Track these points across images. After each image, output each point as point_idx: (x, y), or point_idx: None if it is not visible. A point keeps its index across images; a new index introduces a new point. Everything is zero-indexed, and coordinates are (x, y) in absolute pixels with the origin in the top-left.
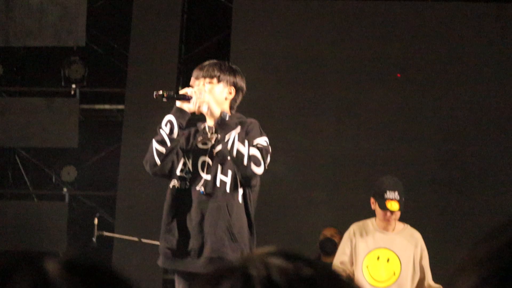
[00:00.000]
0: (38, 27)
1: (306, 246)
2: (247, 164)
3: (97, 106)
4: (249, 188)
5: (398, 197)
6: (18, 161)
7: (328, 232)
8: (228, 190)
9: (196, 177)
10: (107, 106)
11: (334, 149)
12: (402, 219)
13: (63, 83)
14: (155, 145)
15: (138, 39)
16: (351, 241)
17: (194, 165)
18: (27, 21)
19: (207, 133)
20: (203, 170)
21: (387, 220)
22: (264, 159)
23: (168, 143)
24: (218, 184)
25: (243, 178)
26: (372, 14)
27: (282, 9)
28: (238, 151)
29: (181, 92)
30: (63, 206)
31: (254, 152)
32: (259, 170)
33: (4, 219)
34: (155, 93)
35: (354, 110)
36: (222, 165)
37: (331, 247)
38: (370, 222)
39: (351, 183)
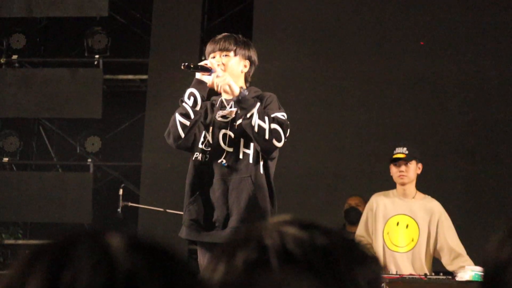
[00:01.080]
0: None
1: (332, 215)
2: (268, 138)
3: (121, 76)
4: (270, 159)
5: (406, 151)
6: (43, 132)
7: (352, 201)
8: (251, 161)
9: (217, 149)
10: (130, 76)
11: (358, 120)
12: (425, 188)
13: (86, 54)
14: (178, 118)
15: (160, 8)
16: (372, 211)
17: (215, 138)
18: None
19: (225, 107)
20: (224, 143)
21: (400, 177)
22: (285, 133)
23: (192, 116)
24: (241, 156)
25: (265, 152)
26: None
27: None
28: (259, 127)
29: (202, 63)
30: (88, 177)
31: (275, 126)
32: (279, 144)
33: (29, 190)
34: (182, 65)
35: (378, 80)
36: (244, 138)
37: (355, 216)
38: (390, 192)
39: (376, 153)
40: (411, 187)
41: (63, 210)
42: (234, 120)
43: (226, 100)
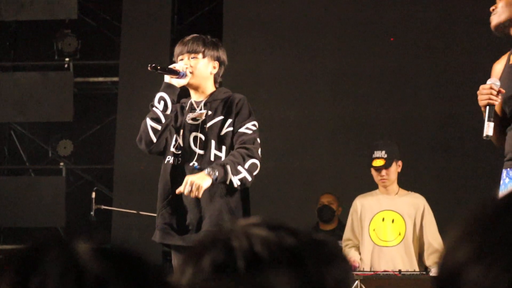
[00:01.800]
0: (29, 0)
1: (305, 214)
2: (251, 179)
3: (91, 79)
4: None
5: (384, 155)
6: (14, 136)
7: (325, 199)
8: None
9: (188, 152)
10: (101, 79)
11: (330, 116)
12: (401, 183)
13: (56, 57)
14: (149, 123)
15: (130, 10)
16: (357, 213)
17: (186, 141)
18: None
19: (195, 109)
20: (196, 145)
21: (381, 181)
22: (257, 153)
23: (163, 120)
24: (212, 158)
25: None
26: None
27: None
28: (241, 180)
29: (171, 66)
30: (61, 181)
31: (250, 162)
32: (258, 169)
33: (1, 195)
34: (149, 66)
35: (349, 76)
36: (215, 140)
37: (328, 214)
38: (374, 192)
39: (348, 150)
40: (393, 186)
41: (36, 214)
42: (205, 122)
43: (195, 102)
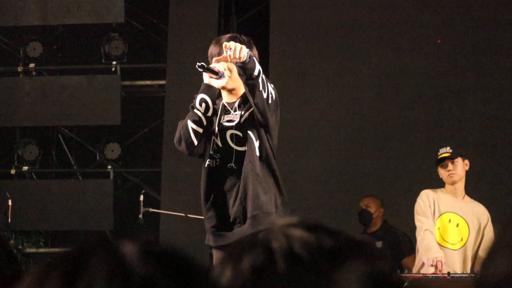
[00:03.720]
0: (76, 4)
1: (351, 217)
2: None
3: (139, 82)
4: (268, 134)
5: (450, 150)
6: (62, 140)
7: (363, 203)
8: (256, 153)
9: (226, 152)
10: (148, 82)
11: (375, 119)
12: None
13: (103, 60)
14: (191, 125)
15: (177, 13)
16: (428, 201)
17: (224, 141)
18: None
19: (229, 111)
20: (233, 142)
21: (449, 176)
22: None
23: (205, 122)
24: (257, 153)
25: (258, 104)
26: None
27: None
28: (263, 83)
29: (211, 66)
30: (108, 184)
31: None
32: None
33: (50, 199)
34: (197, 64)
35: (395, 78)
36: (253, 132)
37: (365, 218)
38: (440, 190)
39: (393, 152)
40: (461, 186)
41: (84, 218)
42: (240, 121)
43: (228, 103)
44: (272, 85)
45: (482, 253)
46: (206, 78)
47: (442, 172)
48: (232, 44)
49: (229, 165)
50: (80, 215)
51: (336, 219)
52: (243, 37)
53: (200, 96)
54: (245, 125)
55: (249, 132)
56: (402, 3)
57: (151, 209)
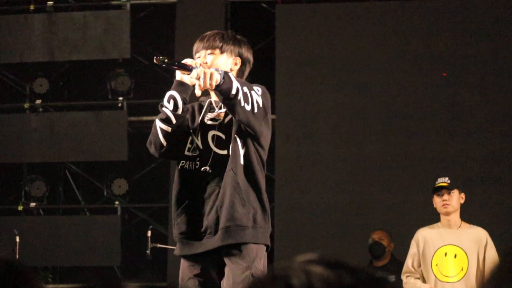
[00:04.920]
0: (82, 40)
1: (358, 250)
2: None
3: (145, 118)
4: (257, 144)
5: (448, 181)
6: (69, 176)
7: (376, 236)
8: (240, 161)
9: (207, 154)
10: (155, 117)
11: (381, 152)
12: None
13: (110, 96)
14: (159, 124)
15: (182, 48)
16: (418, 245)
17: (204, 141)
18: (71, 35)
19: (214, 109)
20: (214, 145)
21: (443, 206)
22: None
23: (174, 121)
24: (242, 160)
25: (244, 121)
26: (414, 14)
27: (325, 13)
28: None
29: (183, 61)
30: (116, 219)
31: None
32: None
33: (57, 234)
34: (155, 58)
35: (401, 111)
36: (237, 135)
37: (379, 251)
38: (435, 225)
39: (400, 185)
40: (456, 217)
41: (92, 254)
42: (224, 121)
43: (215, 101)
44: (258, 88)
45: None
46: (179, 74)
47: (437, 201)
48: (200, 72)
49: (203, 168)
50: (87, 251)
51: (342, 251)
52: (231, 32)
53: (169, 93)
54: (229, 126)
55: (235, 136)
56: (407, 36)
57: (159, 245)
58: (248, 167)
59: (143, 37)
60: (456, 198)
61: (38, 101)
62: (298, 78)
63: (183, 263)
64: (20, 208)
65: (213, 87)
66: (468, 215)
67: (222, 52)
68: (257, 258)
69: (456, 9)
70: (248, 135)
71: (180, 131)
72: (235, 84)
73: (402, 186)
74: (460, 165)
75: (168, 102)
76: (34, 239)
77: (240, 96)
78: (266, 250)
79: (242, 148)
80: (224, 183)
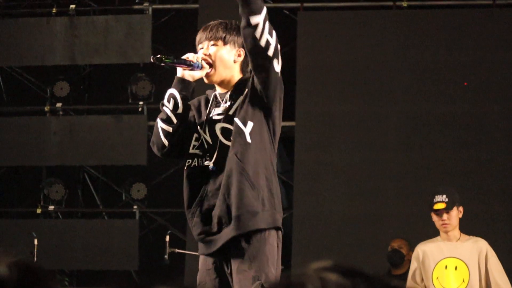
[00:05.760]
0: (103, 44)
1: (375, 259)
2: (272, 54)
3: None
4: (268, 115)
5: (445, 199)
6: (88, 180)
7: (395, 244)
8: (245, 138)
9: (216, 148)
10: None
11: (400, 160)
12: (470, 229)
13: (130, 100)
14: (160, 124)
15: None
16: (418, 260)
17: (213, 135)
18: (92, 39)
19: (220, 103)
20: (224, 137)
21: (443, 226)
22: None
23: (174, 120)
24: (248, 139)
25: (259, 66)
26: (435, 23)
27: (346, 21)
28: (267, 42)
29: (183, 57)
30: (134, 224)
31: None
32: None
33: (75, 238)
34: (152, 57)
35: (420, 120)
36: (241, 121)
37: (398, 259)
38: (434, 239)
39: (417, 195)
40: (455, 232)
41: (109, 258)
42: (229, 111)
43: (220, 94)
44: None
45: (494, 281)
46: (180, 70)
47: (436, 219)
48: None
49: (209, 166)
50: (105, 255)
51: (360, 260)
52: (234, 23)
53: (169, 91)
54: (235, 114)
55: (237, 119)
56: (428, 45)
57: (177, 250)
58: (257, 146)
59: (165, 42)
60: (455, 216)
61: (59, 105)
62: (318, 86)
63: (201, 267)
64: (39, 211)
65: None
66: (487, 226)
67: (225, 43)
68: (268, 261)
69: (476, 18)
70: (257, 106)
71: (183, 130)
72: (263, 13)
73: (421, 196)
74: (478, 176)
75: (168, 101)
76: (52, 242)
77: (266, 25)
78: (279, 232)
79: (247, 124)
80: (227, 169)
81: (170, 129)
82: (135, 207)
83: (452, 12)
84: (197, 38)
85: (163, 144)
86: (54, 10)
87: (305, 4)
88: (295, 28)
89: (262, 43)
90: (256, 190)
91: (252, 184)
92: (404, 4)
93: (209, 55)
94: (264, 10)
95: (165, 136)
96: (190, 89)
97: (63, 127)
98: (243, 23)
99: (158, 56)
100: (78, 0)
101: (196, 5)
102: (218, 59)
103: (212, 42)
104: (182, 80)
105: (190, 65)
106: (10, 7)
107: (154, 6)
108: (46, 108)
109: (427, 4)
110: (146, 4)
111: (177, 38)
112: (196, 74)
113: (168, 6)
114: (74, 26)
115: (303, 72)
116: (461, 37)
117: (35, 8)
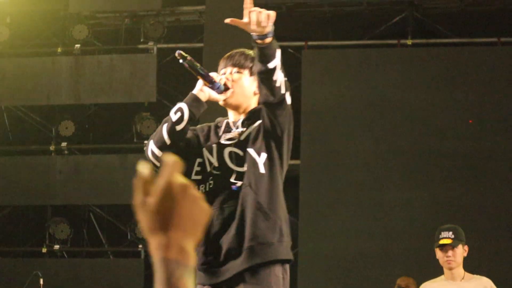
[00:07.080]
0: (108, 83)
1: None
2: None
3: None
4: (277, 147)
5: (452, 236)
6: (93, 219)
7: (403, 282)
8: (258, 169)
9: (224, 172)
10: None
11: (407, 199)
12: (478, 268)
13: (135, 139)
14: (164, 132)
15: None
16: None
17: (220, 159)
18: (97, 78)
19: (231, 129)
20: (232, 162)
21: (447, 262)
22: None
23: (170, 136)
24: (262, 170)
25: (272, 98)
26: (439, 60)
27: (351, 59)
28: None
29: (211, 74)
30: (139, 263)
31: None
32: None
33: (81, 277)
34: (177, 52)
35: (426, 158)
36: (253, 148)
37: None
38: (438, 278)
39: (426, 233)
40: (459, 270)
41: None
42: (240, 138)
43: (233, 122)
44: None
45: None
46: (198, 87)
47: (440, 255)
48: (253, 10)
49: (232, 186)
50: None
51: None
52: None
53: (179, 104)
54: (246, 141)
55: (250, 149)
56: (433, 82)
57: None
58: (269, 177)
59: (169, 81)
60: (460, 253)
61: (64, 144)
62: (323, 123)
63: None
64: (44, 250)
65: (263, 28)
66: (494, 263)
67: (251, 74)
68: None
69: (481, 56)
70: (270, 137)
71: (184, 154)
72: (278, 54)
73: (427, 234)
74: (485, 214)
75: (175, 113)
76: (58, 281)
77: (279, 70)
78: (285, 265)
79: (261, 154)
80: (242, 201)
81: (168, 141)
82: (140, 246)
83: (457, 50)
84: (221, 64)
85: (164, 144)
86: (59, 50)
87: (310, 43)
88: (299, 66)
89: (278, 83)
90: (272, 221)
91: (267, 215)
92: (409, 42)
93: (232, 80)
94: (279, 52)
95: (160, 148)
96: (200, 110)
97: (68, 166)
98: (259, 67)
99: (184, 53)
100: (83, 39)
101: (201, 44)
102: (240, 85)
103: (236, 69)
104: (197, 99)
105: (211, 82)
106: (16, 47)
107: (159, 46)
108: (51, 148)
109: (432, 42)
110: (151, 43)
111: (182, 77)
112: (213, 94)
113: (173, 45)
114: (79, 66)
115: (308, 110)
116: (466, 74)
117: (40, 48)
